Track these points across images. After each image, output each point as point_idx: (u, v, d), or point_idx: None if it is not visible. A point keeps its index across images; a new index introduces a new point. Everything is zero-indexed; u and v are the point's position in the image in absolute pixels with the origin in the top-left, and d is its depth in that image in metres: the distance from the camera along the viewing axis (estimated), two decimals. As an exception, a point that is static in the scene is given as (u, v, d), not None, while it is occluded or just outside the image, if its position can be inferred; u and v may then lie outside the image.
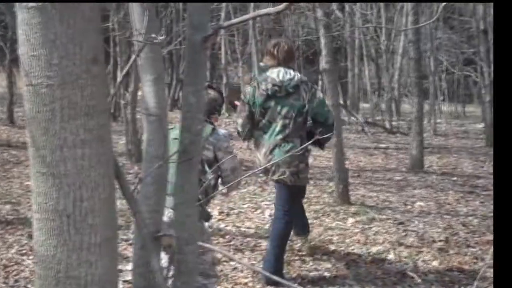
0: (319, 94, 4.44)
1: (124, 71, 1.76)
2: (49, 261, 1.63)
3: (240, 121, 4.47)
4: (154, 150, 1.99)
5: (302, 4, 12.43)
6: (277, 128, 4.29)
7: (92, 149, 1.58)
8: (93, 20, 1.55)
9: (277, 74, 4.31)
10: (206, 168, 3.39)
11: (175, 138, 2.97)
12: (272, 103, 4.29)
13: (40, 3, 1.49)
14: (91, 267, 1.64)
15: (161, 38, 1.52)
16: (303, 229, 5.05)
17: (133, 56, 1.56)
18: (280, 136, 4.29)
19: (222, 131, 3.65)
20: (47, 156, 1.57)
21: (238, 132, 4.57)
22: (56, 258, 1.62)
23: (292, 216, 4.46)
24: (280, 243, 4.36)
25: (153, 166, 1.91)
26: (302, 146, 4.08)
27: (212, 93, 3.68)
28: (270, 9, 1.31)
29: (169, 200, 2.21)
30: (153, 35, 1.53)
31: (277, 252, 4.33)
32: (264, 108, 4.32)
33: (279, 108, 4.28)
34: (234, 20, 1.48)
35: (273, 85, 4.28)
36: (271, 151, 4.30)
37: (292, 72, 4.36)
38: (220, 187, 3.56)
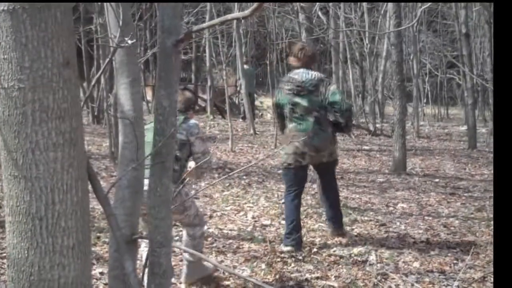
0: (333, 86, 5.27)
1: (98, 74, 1.77)
2: (22, 264, 1.63)
3: (276, 120, 5.85)
4: (130, 153, 2.00)
5: (285, 7, 12.47)
6: (311, 119, 5.15)
7: (65, 152, 1.59)
8: (65, 23, 1.55)
9: (299, 75, 5.18)
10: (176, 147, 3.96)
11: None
12: (298, 100, 5.16)
13: (11, 7, 1.50)
14: (64, 270, 1.65)
15: (132, 42, 1.53)
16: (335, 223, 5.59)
17: (107, 60, 1.56)
18: (317, 126, 5.15)
19: (192, 121, 4.25)
20: (19, 159, 1.58)
21: (279, 127, 5.76)
22: (29, 261, 1.63)
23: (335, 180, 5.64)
24: (294, 211, 5.26)
25: (129, 169, 1.92)
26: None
27: (188, 93, 4.53)
28: (238, 13, 1.33)
29: (147, 171, 2.93)
30: (125, 39, 1.53)
31: (292, 218, 5.20)
32: (292, 104, 5.20)
33: (305, 104, 5.14)
34: (203, 25, 1.50)
35: (296, 86, 5.16)
36: (312, 139, 5.12)
37: (312, 72, 5.22)
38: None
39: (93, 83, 2.02)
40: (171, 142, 1.70)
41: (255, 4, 1.23)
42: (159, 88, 1.57)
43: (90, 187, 1.80)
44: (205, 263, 4.33)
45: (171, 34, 1.53)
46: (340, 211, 5.59)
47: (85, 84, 14.28)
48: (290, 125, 5.26)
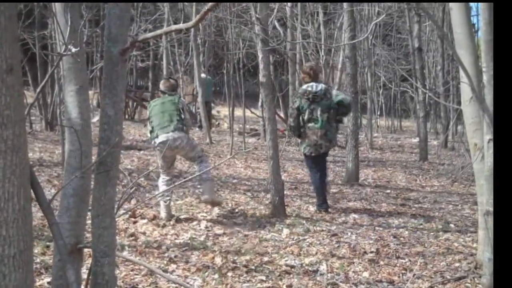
0: (334, 91, 7.89)
1: (43, 82, 1.75)
2: (-40, 274, 1.59)
3: (291, 119, 7.19)
4: (76, 162, 1.98)
5: (242, 18, 12.51)
6: (324, 119, 7.01)
7: (7, 159, 1.56)
8: (9, 29, 1.53)
9: (312, 87, 7.05)
10: (181, 111, 6.48)
11: (163, 102, 6.59)
12: (314, 106, 7.02)
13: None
14: (4, 279, 1.62)
15: (76, 50, 1.52)
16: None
17: (53, 67, 1.55)
18: (328, 124, 7.04)
19: (183, 99, 6.81)
20: (-42, 166, 1.54)
21: (290, 128, 7.33)
22: (-33, 270, 1.59)
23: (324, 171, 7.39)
24: (320, 186, 7.20)
25: (73, 178, 1.89)
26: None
27: (172, 81, 6.90)
28: (181, 25, 1.34)
29: (166, 129, 6.34)
30: (70, 47, 1.52)
31: (321, 192, 7.19)
32: (310, 109, 7.02)
33: (320, 108, 7.01)
34: (148, 34, 1.50)
35: (313, 95, 7.00)
36: (325, 134, 7.02)
37: (320, 85, 7.14)
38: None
39: (38, 90, 1.99)
40: (117, 152, 1.69)
41: (198, 15, 1.25)
42: (104, 97, 1.57)
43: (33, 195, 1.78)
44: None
45: (117, 42, 1.53)
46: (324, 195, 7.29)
47: (38, 90, 13.95)
48: (309, 124, 7.03)
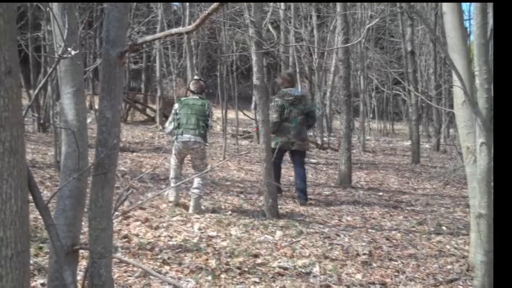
0: (309, 101, 8.52)
1: (41, 84, 1.76)
2: (-43, 275, 1.60)
3: (275, 115, 7.85)
4: (72, 163, 1.99)
5: (236, 21, 12.52)
6: (298, 120, 7.92)
7: (4, 161, 1.57)
8: (8, 32, 1.54)
9: (293, 92, 8.06)
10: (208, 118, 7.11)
11: (193, 104, 7.13)
12: (292, 108, 7.94)
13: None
14: (1, 281, 1.62)
15: (75, 52, 1.53)
16: (303, 195, 7.98)
17: (50, 70, 1.56)
18: (299, 125, 7.92)
19: (210, 103, 7.29)
20: (-44, 168, 1.55)
21: (275, 123, 7.84)
22: (-36, 271, 1.59)
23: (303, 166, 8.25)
24: (277, 169, 7.94)
25: (70, 179, 1.90)
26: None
27: (201, 82, 7.39)
28: (181, 28, 1.35)
29: (191, 131, 6.99)
30: (69, 49, 1.53)
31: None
32: (288, 109, 7.91)
33: (296, 110, 7.94)
34: (147, 38, 1.51)
35: (293, 98, 7.96)
36: (299, 133, 7.90)
37: (298, 90, 8.36)
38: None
39: (35, 92, 2.00)
40: (114, 154, 1.70)
41: (199, 19, 1.26)
42: (102, 99, 1.57)
43: (30, 196, 1.78)
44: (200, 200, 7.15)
45: (116, 45, 1.54)
46: (306, 185, 8.04)
47: (32, 92, 13.96)
48: (285, 123, 7.88)
